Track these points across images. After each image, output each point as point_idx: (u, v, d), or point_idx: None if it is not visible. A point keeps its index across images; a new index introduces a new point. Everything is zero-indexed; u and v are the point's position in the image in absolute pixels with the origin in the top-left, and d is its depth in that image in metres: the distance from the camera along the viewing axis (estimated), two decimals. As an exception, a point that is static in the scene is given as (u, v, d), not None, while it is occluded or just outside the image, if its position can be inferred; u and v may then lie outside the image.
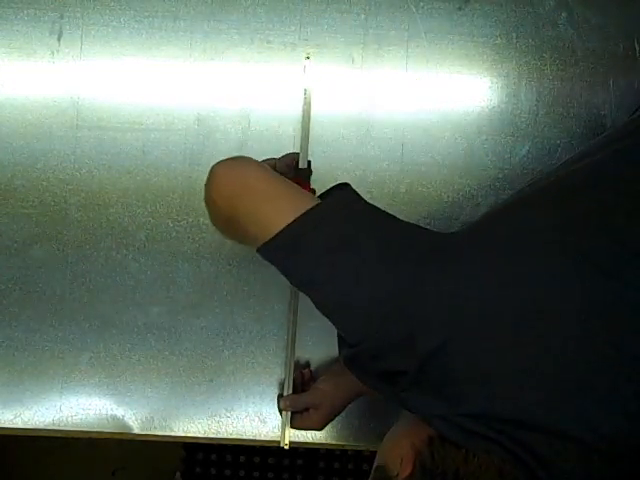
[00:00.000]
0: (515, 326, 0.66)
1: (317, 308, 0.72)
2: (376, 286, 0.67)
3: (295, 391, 0.99)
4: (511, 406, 0.65)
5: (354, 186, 1.00)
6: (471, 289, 0.67)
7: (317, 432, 1.01)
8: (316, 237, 0.69)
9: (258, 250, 0.72)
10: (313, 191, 0.93)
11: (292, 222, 0.69)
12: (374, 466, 0.75)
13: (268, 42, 0.99)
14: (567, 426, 0.65)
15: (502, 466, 0.65)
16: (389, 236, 0.70)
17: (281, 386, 1.01)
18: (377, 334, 0.67)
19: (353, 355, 0.70)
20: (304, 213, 0.69)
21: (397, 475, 0.70)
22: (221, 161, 0.76)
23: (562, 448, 0.65)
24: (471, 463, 0.66)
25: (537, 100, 1.00)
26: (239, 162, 0.76)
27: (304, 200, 0.71)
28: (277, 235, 0.69)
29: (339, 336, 0.74)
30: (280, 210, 0.70)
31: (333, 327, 1.01)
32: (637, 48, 1.00)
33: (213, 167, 0.75)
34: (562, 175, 0.80)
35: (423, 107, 1.00)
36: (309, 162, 0.96)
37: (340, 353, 0.74)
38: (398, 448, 0.72)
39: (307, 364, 1.03)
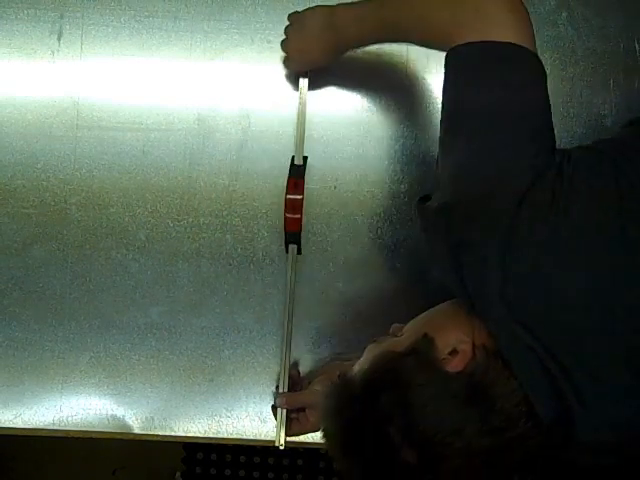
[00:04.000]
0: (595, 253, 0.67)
1: (445, 140, 0.72)
2: (507, 157, 0.67)
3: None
4: (569, 330, 0.66)
5: (354, 186, 1.01)
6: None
7: (317, 432, 1.01)
8: (500, 74, 0.69)
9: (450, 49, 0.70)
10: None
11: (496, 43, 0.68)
12: (418, 332, 0.75)
13: (268, 42, 0.99)
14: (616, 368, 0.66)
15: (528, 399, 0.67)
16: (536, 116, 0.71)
17: (277, 384, 1.01)
18: (484, 194, 0.67)
19: (448, 208, 0.69)
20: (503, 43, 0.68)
21: (443, 359, 0.71)
22: None
23: (605, 388, 0.66)
24: (507, 385, 0.68)
25: (537, 100, 1.00)
26: None
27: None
28: (474, 44, 0.68)
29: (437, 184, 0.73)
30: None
31: (331, 327, 1.02)
32: (637, 48, 1.00)
33: None
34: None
35: (423, 107, 1.00)
36: (305, 158, 0.96)
37: (425, 206, 0.73)
38: (458, 333, 0.73)
39: (295, 365, 1.03)
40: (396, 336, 0.79)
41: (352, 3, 0.85)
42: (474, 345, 0.72)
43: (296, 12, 0.92)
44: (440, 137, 0.73)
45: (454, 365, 0.71)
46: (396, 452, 0.68)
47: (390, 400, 0.70)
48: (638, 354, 0.67)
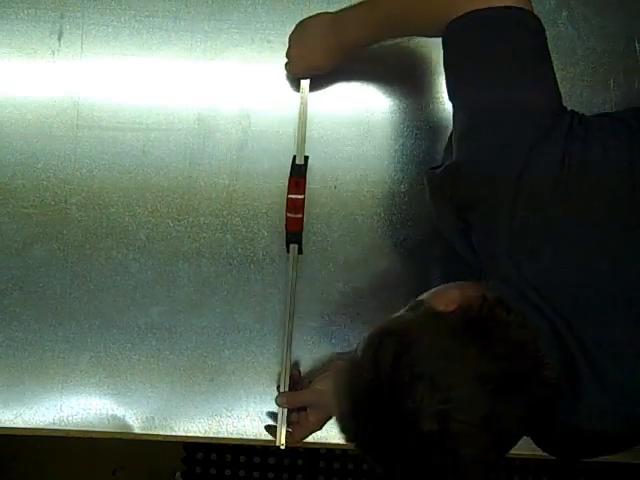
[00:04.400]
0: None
1: (455, 114, 0.72)
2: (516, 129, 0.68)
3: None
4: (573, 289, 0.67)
5: (354, 186, 1.00)
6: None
7: (317, 432, 1.01)
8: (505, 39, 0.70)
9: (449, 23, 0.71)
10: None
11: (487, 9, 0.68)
12: (417, 300, 0.75)
13: (268, 42, 0.99)
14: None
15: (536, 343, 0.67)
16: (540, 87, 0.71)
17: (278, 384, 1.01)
18: (496, 158, 0.67)
19: (454, 168, 0.69)
20: (499, 8, 0.68)
21: (440, 309, 0.71)
22: None
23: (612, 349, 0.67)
24: (512, 328, 0.68)
25: (537, 100, 1.00)
26: None
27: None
28: (476, 12, 0.69)
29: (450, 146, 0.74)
30: None
31: (331, 327, 1.02)
32: (637, 48, 1.00)
33: None
34: None
35: (423, 107, 1.00)
36: (306, 157, 0.96)
37: (433, 171, 0.74)
38: (449, 294, 0.72)
39: (296, 365, 1.03)
40: None
41: (351, 6, 0.86)
42: (466, 293, 0.71)
43: (302, 20, 0.92)
44: (453, 115, 0.74)
45: (447, 306, 0.70)
46: (407, 391, 0.66)
47: (392, 345, 0.69)
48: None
